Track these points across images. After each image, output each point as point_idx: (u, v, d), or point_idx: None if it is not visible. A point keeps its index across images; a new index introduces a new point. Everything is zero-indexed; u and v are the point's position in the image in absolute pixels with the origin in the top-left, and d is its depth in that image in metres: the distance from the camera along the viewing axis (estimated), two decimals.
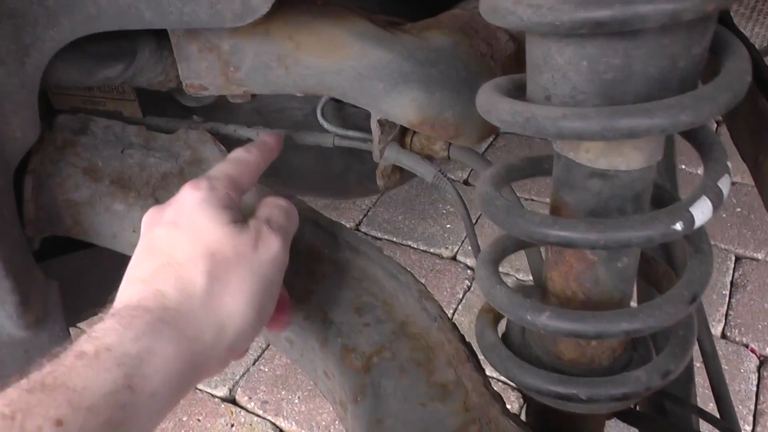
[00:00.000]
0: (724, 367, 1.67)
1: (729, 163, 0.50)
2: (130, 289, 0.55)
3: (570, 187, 0.51)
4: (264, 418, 1.66)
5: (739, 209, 2.09)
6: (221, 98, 0.79)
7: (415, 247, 2.06)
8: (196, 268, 0.55)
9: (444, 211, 2.15)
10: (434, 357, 0.65)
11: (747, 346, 1.71)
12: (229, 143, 0.90)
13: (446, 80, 0.65)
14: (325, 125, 0.83)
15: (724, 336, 1.74)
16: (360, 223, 2.17)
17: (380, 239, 2.10)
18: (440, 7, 0.79)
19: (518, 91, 0.52)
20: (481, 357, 0.63)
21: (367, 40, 0.64)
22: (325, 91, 0.67)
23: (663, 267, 0.63)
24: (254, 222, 0.61)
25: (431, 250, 2.04)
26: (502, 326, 0.63)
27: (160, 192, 0.78)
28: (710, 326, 1.77)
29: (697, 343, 0.84)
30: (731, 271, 1.90)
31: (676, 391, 0.87)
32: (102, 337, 0.48)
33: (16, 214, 0.72)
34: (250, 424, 1.64)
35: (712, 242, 2.00)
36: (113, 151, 0.81)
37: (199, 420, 1.66)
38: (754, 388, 1.60)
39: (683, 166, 2.24)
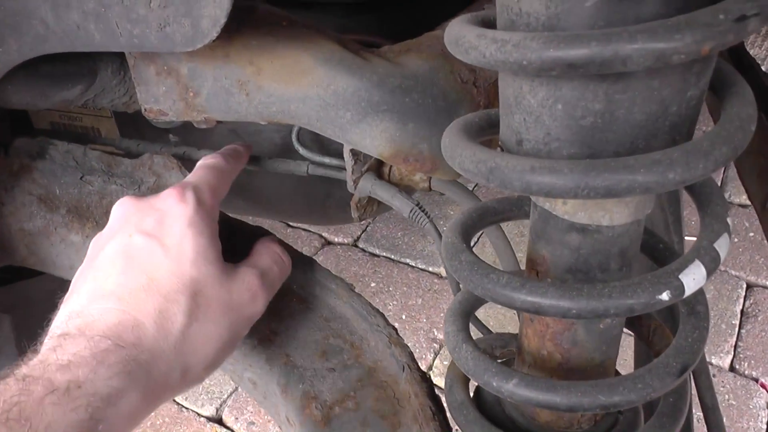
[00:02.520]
0: (732, 402, 1.61)
1: (729, 220, 0.45)
2: (104, 303, 0.52)
3: (546, 241, 0.45)
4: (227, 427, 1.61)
5: (752, 234, 2.01)
6: None
7: (414, 265, 2.00)
8: (178, 304, 0.53)
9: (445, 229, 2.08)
10: (401, 409, 0.59)
11: (757, 381, 1.63)
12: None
13: (421, 110, 0.59)
14: (301, 151, 0.78)
15: (732, 369, 1.67)
16: (358, 239, 2.12)
17: (378, 256, 2.04)
18: (429, 26, 0.74)
19: (492, 130, 0.47)
20: None
21: (333, 65, 0.59)
22: (289, 120, 0.62)
23: (655, 322, 0.57)
24: (248, 271, 0.59)
25: (430, 269, 1.98)
26: None
27: None
28: (719, 358, 1.70)
29: (697, 392, 0.79)
30: (742, 300, 1.83)
31: None
32: (74, 366, 0.46)
33: None
34: None
35: (722, 268, 1.93)
36: (72, 178, 0.76)
37: None
38: (764, 426, 1.53)
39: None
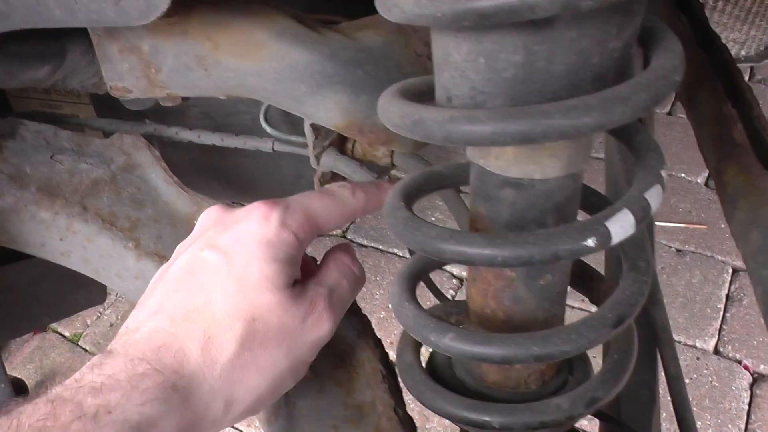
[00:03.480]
0: (715, 384, 1.62)
1: (664, 173, 0.45)
2: (157, 321, 0.49)
3: (484, 198, 0.47)
4: (235, 428, 1.62)
5: None
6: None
7: (401, 255, 2.01)
8: (231, 331, 0.49)
9: (432, 219, 2.10)
10: (356, 376, 0.60)
11: (740, 363, 1.64)
12: (172, 146, 0.86)
13: (375, 82, 0.60)
14: (268, 129, 0.79)
15: (717, 352, 1.68)
16: (347, 230, 2.13)
17: (366, 246, 2.06)
18: None
19: (431, 93, 0.48)
20: None
21: (286, 39, 0.60)
22: (247, 94, 0.63)
23: (606, 284, 0.58)
24: (315, 290, 0.53)
25: None
26: None
27: (89, 199, 0.74)
28: (703, 341, 1.71)
29: (661, 362, 0.80)
30: (727, 284, 1.83)
31: (638, 417, 0.82)
32: (106, 389, 0.44)
33: None
34: None
35: (709, 254, 1.94)
36: (43, 157, 0.77)
37: None
38: (746, 407, 1.54)
39: (683, 175, 2.19)
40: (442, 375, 0.56)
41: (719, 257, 1.92)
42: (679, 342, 1.69)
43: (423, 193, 0.52)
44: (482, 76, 0.39)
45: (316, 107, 0.61)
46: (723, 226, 1.99)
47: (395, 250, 2.02)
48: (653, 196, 0.43)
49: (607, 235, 0.41)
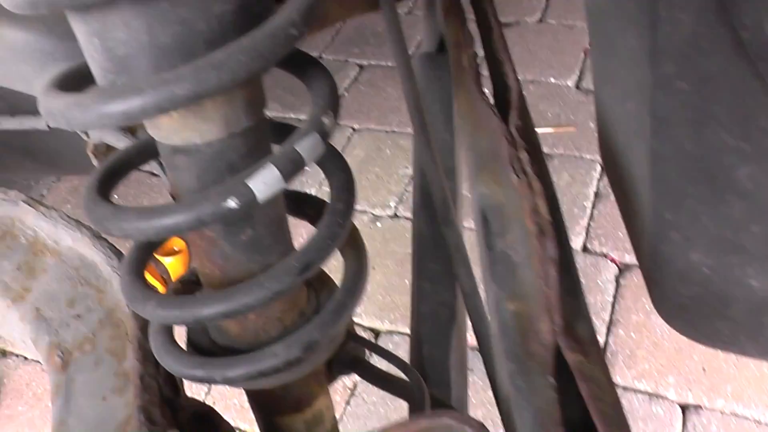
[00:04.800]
0: (582, 280, 1.69)
1: (326, 121, 0.46)
2: None
3: (169, 167, 0.48)
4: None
5: None
6: None
7: None
8: None
9: None
10: (128, 343, 0.62)
11: (606, 256, 1.72)
12: None
13: None
14: None
15: (585, 249, 1.75)
16: None
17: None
18: None
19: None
20: None
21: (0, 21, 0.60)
22: None
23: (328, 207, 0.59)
24: None
25: None
26: None
27: None
28: (570, 240, 1.77)
29: (458, 280, 0.83)
30: (596, 182, 1.89)
31: (437, 336, 0.86)
32: None
33: None
34: None
35: (577, 154, 1.99)
36: None
37: None
38: (611, 299, 1.61)
39: (552, 79, 2.22)
40: (196, 336, 0.57)
41: (587, 156, 1.98)
42: None
43: (120, 175, 0.52)
44: (102, 57, 0.40)
45: None
46: (592, 125, 2.04)
47: None
48: (307, 147, 0.44)
49: (250, 195, 0.41)
